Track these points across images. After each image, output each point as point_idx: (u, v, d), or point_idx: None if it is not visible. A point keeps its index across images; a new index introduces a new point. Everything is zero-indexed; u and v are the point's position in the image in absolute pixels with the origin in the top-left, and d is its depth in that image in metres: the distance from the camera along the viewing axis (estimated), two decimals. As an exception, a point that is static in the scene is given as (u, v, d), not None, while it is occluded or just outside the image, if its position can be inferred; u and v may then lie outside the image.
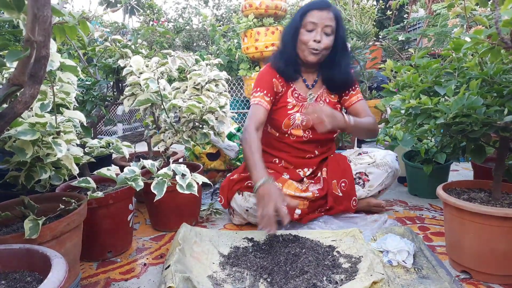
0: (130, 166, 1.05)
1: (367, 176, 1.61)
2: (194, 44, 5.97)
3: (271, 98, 1.54)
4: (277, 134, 1.62)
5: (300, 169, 1.64)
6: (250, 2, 2.97)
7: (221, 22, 6.36)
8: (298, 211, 1.50)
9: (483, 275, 1.08)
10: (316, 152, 1.64)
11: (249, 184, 1.52)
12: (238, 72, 3.20)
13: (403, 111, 1.19)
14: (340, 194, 1.56)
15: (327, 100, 1.64)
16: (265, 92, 1.53)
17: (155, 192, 0.95)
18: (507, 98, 0.91)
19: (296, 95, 1.60)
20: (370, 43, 3.17)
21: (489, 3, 0.84)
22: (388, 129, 1.94)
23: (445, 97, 0.98)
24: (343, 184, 1.57)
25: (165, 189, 0.96)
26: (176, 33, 5.91)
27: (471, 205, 1.04)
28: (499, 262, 1.04)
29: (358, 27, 2.97)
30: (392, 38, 3.04)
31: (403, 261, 1.17)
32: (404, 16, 4.38)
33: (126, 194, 1.33)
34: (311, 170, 1.64)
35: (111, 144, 1.16)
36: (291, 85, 1.59)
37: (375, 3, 4.79)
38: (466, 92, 0.93)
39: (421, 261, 1.19)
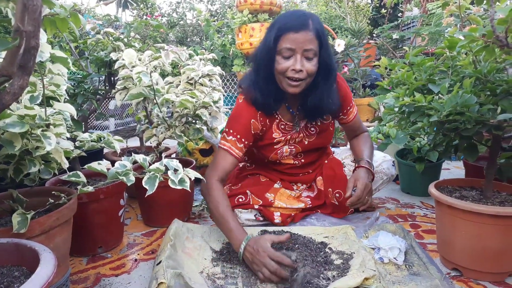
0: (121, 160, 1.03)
1: None
2: (188, 40, 5.93)
3: (246, 143, 1.35)
4: (266, 161, 1.52)
5: (294, 183, 1.59)
6: (245, -3, 2.96)
7: (216, 18, 6.32)
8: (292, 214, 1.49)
9: (473, 272, 1.09)
10: (310, 171, 1.58)
11: (240, 200, 1.44)
12: (232, 68, 3.18)
13: (396, 109, 1.19)
14: (336, 203, 1.50)
15: (319, 124, 1.47)
16: (238, 137, 1.33)
17: (146, 187, 0.94)
18: (500, 96, 0.91)
19: (282, 126, 1.43)
20: (365, 41, 3.17)
21: (484, 1, 0.84)
22: (381, 127, 1.94)
23: (439, 95, 0.98)
24: (337, 195, 1.49)
25: (156, 184, 0.95)
26: (170, 28, 5.86)
27: (463, 203, 1.05)
28: (489, 259, 1.05)
29: (353, 25, 2.97)
30: (386, 36, 3.05)
31: (395, 258, 1.18)
32: (398, 15, 4.39)
33: (117, 189, 1.31)
34: (304, 186, 1.59)
35: (102, 138, 1.14)
36: (276, 115, 1.41)
37: (369, 1, 4.81)
38: (459, 90, 0.93)
39: (412, 258, 1.20)
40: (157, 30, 4.67)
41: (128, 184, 0.95)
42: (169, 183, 0.97)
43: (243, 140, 1.34)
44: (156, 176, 0.95)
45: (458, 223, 1.08)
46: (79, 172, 0.98)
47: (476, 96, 0.91)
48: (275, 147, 1.44)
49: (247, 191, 1.45)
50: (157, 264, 1.09)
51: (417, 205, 1.75)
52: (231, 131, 1.34)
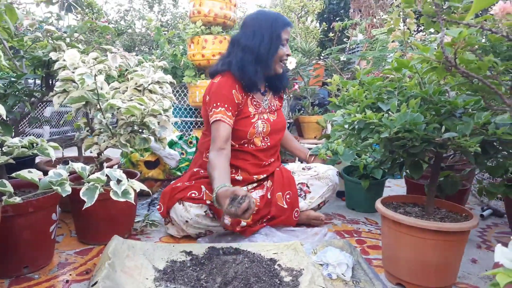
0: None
1: (309, 188, 1.64)
2: (136, 49, 5.74)
3: (233, 111, 1.52)
4: (237, 145, 1.60)
5: (256, 175, 1.64)
6: (198, 8, 2.92)
7: (166, 29, 6.21)
8: (243, 223, 1.46)
9: (416, 287, 1.12)
10: (270, 160, 1.69)
11: (192, 195, 1.46)
12: (182, 79, 3.10)
13: (347, 126, 1.21)
14: (286, 206, 1.57)
15: (275, 104, 1.73)
16: (226, 106, 1.49)
17: (84, 198, 0.85)
18: (444, 116, 0.96)
19: (255, 103, 1.63)
20: (314, 61, 3.28)
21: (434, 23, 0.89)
22: (330, 144, 1.98)
23: (388, 113, 1.01)
24: (287, 196, 1.58)
25: (96, 196, 0.86)
26: (117, 36, 5.64)
27: (407, 219, 1.08)
28: (431, 274, 1.09)
29: (303, 44, 3.06)
30: (334, 58, 3.19)
31: (342, 274, 1.18)
32: (344, 40, 4.63)
33: (49, 201, 1.18)
34: (265, 175, 1.66)
35: (35, 145, 1.02)
36: (249, 93, 1.61)
37: (318, 25, 5.03)
38: (407, 109, 0.97)
39: (359, 274, 1.21)
40: (103, 36, 4.47)
41: (63, 195, 0.85)
42: (111, 194, 0.89)
43: (230, 108, 1.50)
44: (96, 187, 0.86)
45: (402, 238, 1.11)
46: (4, 181, 0.86)
47: (423, 115, 0.95)
48: (252, 121, 1.60)
49: (202, 186, 1.48)
50: (93, 285, 0.98)
51: (362, 221, 1.79)
52: (218, 103, 1.49)
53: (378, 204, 1.22)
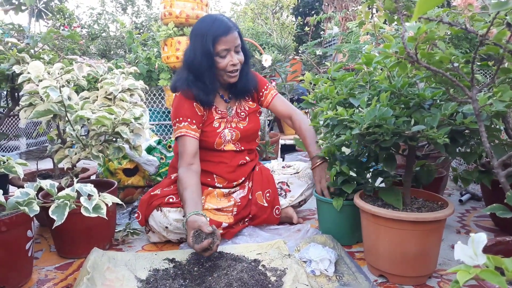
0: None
1: (288, 186, 1.64)
2: (111, 52, 5.64)
3: (198, 123, 1.50)
4: (211, 149, 1.58)
5: (235, 181, 1.62)
6: (169, 10, 2.88)
7: (141, 31, 6.12)
8: (224, 225, 1.46)
9: (397, 277, 1.13)
10: (247, 158, 1.66)
11: (170, 200, 1.44)
12: (158, 82, 3.06)
13: (321, 122, 1.22)
14: (266, 205, 1.57)
15: (247, 108, 1.66)
16: (189, 120, 1.48)
17: (54, 217, 0.83)
18: (413, 109, 0.97)
19: (220, 112, 1.59)
20: (290, 57, 3.28)
21: (395, 18, 0.90)
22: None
23: (359, 108, 1.02)
24: (267, 194, 1.58)
25: (66, 213, 0.84)
26: (91, 40, 5.52)
27: (384, 211, 1.09)
28: (410, 264, 1.10)
29: (279, 41, 3.06)
30: (310, 53, 3.19)
31: (325, 269, 1.19)
32: (321, 33, 4.64)
33: (23, 219, 1.14)
34: (243, 178, 1.64)
35: (1, 163, 0.99)
36: (213, 104, 1.58)
37: (294, 19, 5.03)
38: (377, 103, 0.97)
39: (342, 269, 1.22)
40: (75, 42, 4.37)
41: (31, 215, 0.83)
42: (82, 211, 0.86)
43: (194, 122, 1.48)
44: (66, 204, 0.84)
45: (381, 231, 1.13)
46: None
47: (392, 109, 0.96)
48: (217, 131, 1.57)
49: None
50: (71, 303, 0.96)
51: (344, 214, 1.80)
52: (180, 118, 1.48)
53: (356, 198, 1.23)
